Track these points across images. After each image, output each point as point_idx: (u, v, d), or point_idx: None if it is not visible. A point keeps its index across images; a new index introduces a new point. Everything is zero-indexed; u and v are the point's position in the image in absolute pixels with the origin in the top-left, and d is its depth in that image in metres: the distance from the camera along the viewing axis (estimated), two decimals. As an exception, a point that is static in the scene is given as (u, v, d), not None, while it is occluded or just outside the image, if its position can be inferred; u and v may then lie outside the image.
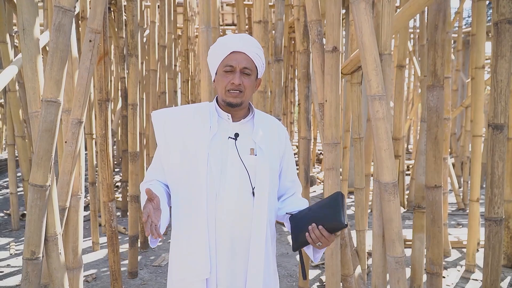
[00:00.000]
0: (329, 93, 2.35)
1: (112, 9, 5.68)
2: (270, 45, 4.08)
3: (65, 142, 2.24)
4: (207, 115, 1.53)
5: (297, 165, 4.28)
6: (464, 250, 4.25)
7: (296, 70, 9.63)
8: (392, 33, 2.38)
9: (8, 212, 5.52)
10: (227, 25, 10.45)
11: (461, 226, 5.18)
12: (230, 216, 1.44)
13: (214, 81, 1.55)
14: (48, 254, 1.97)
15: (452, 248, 4.35)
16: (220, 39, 1.54)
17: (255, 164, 1.47)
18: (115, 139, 7.10)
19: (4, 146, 11.94)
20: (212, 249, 1.44)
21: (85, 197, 6.14)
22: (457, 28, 6.45)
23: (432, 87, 2.48)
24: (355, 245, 3.18)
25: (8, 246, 4.33)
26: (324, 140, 2.41)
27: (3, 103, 6.59)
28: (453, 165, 7.48)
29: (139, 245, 4.23)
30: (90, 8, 2.28)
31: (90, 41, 2.24)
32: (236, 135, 1.49)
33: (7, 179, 5.77)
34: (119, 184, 6.73)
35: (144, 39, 5.96)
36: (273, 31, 7.96)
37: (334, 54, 2.33)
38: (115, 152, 9.10)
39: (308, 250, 1.51)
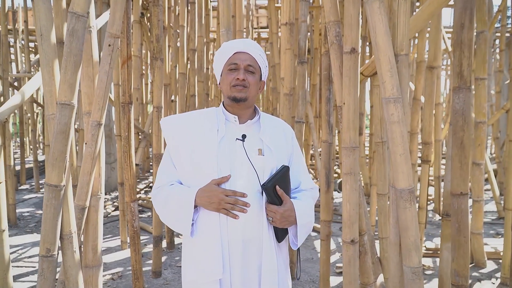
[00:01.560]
0: (347, 95, 2.29)
1: (144, 14, 5.81)
2: (295, 47, 4.02)
3: (85, 143, 2.30)
4: (215, 119, 1.56)
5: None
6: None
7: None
8: (413, 33, 2.30)
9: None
10: (262, 28, 10.47)
11: (500, 236, 4.92)
12: (241, 216, 1.45)
13: (219, 83, 1.59)
14: (64, 252, 2.03)
15: (488, 259, 4.12)
16: (224, 43, 1.60)
17: (263, 164, 1.50)
18: (151, 142, 7.31)
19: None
20: (225, 249, 1.45)
21: (117, 197, 6.32)
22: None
23: (458, 89, 2.37)
24: (378, 254, 3.08)
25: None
26: (342, 144, 2.36)
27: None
28: (496, 171, 7.13)
29: (165, 245, 4.30)
30: (110, 13, 2.34)
31: (109, 45, 2.30)
32: (244, 136, 1.52)
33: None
34: (152, 185, 6.88)
35: (178, 43, 6.07)
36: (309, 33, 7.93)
37: (352, 55, 2.26)
38: (150, 154, 9.30)
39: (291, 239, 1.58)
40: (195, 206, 1.46)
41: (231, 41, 1.59)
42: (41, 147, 13.42)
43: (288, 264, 1.62)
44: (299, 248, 1.59)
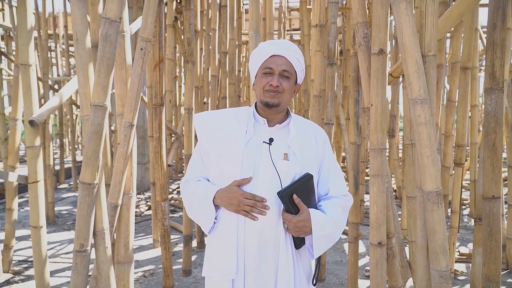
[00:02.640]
0: (375, 97, 2.28)
1: (178, 18, 5.94)
2: (325, 49, 4.01)
3: (118, 143, 2.40)
4: (245, 119, 1.56)
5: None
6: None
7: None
8: (442, 33, 2.26)
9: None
10: (294, 30, 10.46)
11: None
12: (259, 219, 1.45)
13: (253, 84, 1.58)
14: (96, 248, 2.12)
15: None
16: (261, 43, 1.57)
17: (287, 169, 1.48)
18: (183, 143, 7.49)
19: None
20: (240, 250, 1.46)
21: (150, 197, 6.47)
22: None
23: (490, 90, 2.31)
24: (408, 257, 3.03)
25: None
26: (370, 145, 2.35)
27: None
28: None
29: (195, 244, 4.38)
30: (142, 18, 2.42)
31: (141, 49, 2.38)
32: (271, 139, 1.50)
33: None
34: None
35: (211, 46, 6.17)
36: (341, 35, 7.87)
37: (380, 56, 2.25)
38: (183, 155, 9.48)
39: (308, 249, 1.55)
40: (215, 206, 1.49)
41: (269, 41, 1.56)
42: (80, 147, 13.89)
43: (310, 272, 1.60)
44: (323, 253, 1.58)
